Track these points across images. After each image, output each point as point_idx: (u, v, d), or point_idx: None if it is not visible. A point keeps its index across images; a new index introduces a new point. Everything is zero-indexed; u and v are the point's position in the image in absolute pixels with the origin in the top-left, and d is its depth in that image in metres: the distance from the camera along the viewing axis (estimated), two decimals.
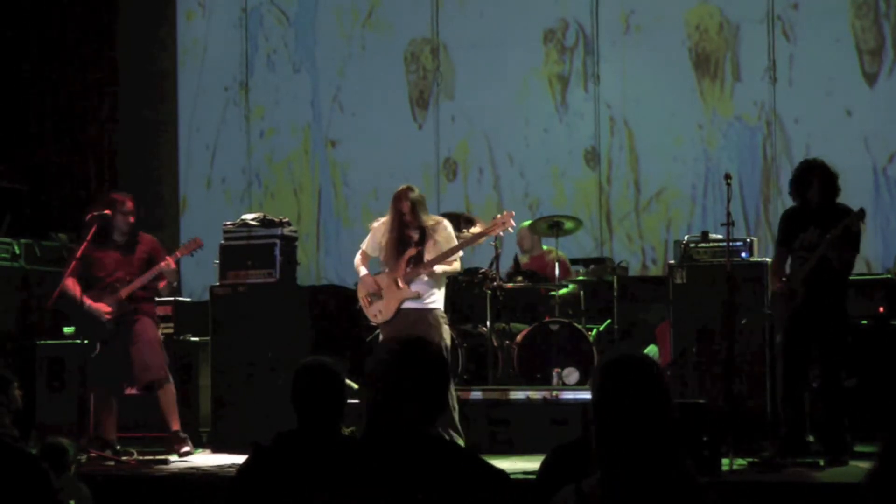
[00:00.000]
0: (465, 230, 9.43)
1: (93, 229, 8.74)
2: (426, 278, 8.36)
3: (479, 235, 8.57)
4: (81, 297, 8.65)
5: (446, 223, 8.53)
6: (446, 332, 8.39)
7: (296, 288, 9.76)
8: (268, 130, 12.85)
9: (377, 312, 8.44)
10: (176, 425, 8.74)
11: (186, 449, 8.64)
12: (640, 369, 3.15)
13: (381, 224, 8.57)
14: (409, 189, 8.50)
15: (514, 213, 8.63)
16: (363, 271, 8.57)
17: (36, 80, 12.59)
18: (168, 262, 8.71)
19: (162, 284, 8.87)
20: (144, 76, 12.96)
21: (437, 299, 8.40)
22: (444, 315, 8.42)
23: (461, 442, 8.25)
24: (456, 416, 8.33)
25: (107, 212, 8.87)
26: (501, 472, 3.35)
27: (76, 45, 12.71)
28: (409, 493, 3.21)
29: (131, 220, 8.86)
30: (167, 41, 13.13)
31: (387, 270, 8.44)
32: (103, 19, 12.80)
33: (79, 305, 8.68)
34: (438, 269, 8.35)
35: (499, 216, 8.56)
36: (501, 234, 8.67)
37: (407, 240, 8.40)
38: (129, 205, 8.88)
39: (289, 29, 12.84)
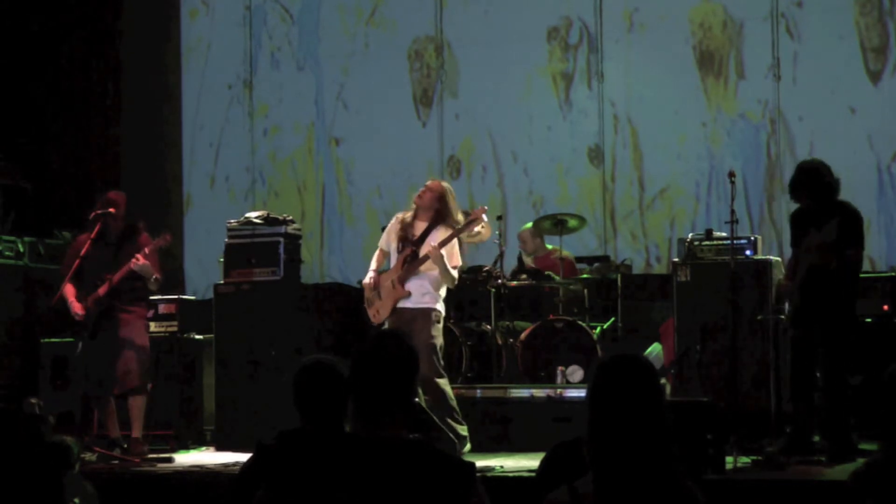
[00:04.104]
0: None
1: (96, 228, 8.74)
2: (421, 278, 8.36)
3: (455, 234, 8.36)
4: (70, 299, 8.69)
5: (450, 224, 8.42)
6: (439, 331, 8.36)
7: (299, 286, 9.76)
8: (271, 128, 12.85)
9: (376, 312, 8.45)
10: (137, 433, 8.69)
11: (144, 450, 8.59)
12: (634, 371, 3.17)
13: (395, 220, 8.59)
14: (429, 183, 8.55)
15: (486, 207, 8.57)
16: (371, 270, 8.58)
17: (39, 79, 12.59)
18: (137, 259, 8.60)
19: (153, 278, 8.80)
20: (148, 74, 12.96)
21: (432, 298, 8.35)
22: (439, 314, 8.38)
23: (464, 431, 8.25)
24: (454, 406, 8.35)
25: (111, 210, 8.87)
26: (468, 464, 3.37)
27: (80, 43, 12.72)
28: (373, 495, 3.24)
29: (119, 219, 8.78)
30: (171, 39, 13.13)
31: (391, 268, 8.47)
32: (107, 17, 12.80)
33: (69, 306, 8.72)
34: (427, 269, 8.33)
35: (472, 211, 8.54)
36: (479, 229, 8.55)
37: (409, 237, 8.40)
38: (122, 204, 8.84)
39: (292, 27, 12.84)
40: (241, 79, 12.91)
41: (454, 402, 8.36)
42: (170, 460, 8.52)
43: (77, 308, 8.64)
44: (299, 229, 9.85)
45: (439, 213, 8.38)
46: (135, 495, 7.50)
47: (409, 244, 8.36)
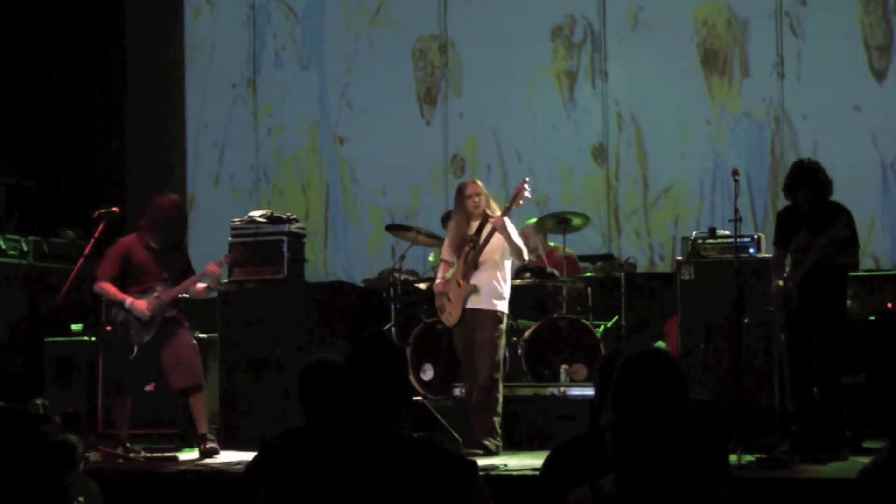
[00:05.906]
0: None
1: (100, 227, 8.74)
2: (486, 271, 8.39)
3: (506, 211, 8.51)
4: (122, 297, 8.54)
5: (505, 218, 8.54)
6: (502, 332, 8.45)
7: (303, 285, 9.76)
8: (275, 127, 12.86)
9: (448, 315, 8.54)
10: (203, 428, 8.68)
11: (212, 446, 8.57)
12: (662, 365, 3.13)
13: (449, 231, 8.74)
14: (471, 183, 8.64)
15: (527, 178, 8.69)
16: (438, 279, 8.70)
17: (44, 78, 12.60)
18: (214, 268, 8.68)
19: (200, 288, 8.81)
20: (152, 73, 12.97)
21: (499, 297, 8.45)
22: (503, 314, 8.46)
23: (495, 444, 8.26)
24: (496, 420, 8.37)
25: (114, 209, 8.89)
26: (469, 462, 3.37)
27: (84, 42, 12.73)
28: (375, 493, 3.25)
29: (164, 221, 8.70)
30: (175, 38, 13.14)
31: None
32: (111, 16, 12.81)
33: (119, 305, 8.56)
34: (491, 255, 8.39)
35: (516, 188, 8.62)
36: (522, 202, 8.64)
37: (466, 238, 8.47)
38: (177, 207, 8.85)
39: (296, 26, 12.84)
40: (245, 78, 12.92)
41: (498, 412, 8.37)
42: (174, 459, 8.52)
43: (143, 307, 8.56)
44: (303, 228, 9.85)
45: (488, 210, 8.54)
46: (139, 494, 7.51)
47: (468, 242, 8.45)
